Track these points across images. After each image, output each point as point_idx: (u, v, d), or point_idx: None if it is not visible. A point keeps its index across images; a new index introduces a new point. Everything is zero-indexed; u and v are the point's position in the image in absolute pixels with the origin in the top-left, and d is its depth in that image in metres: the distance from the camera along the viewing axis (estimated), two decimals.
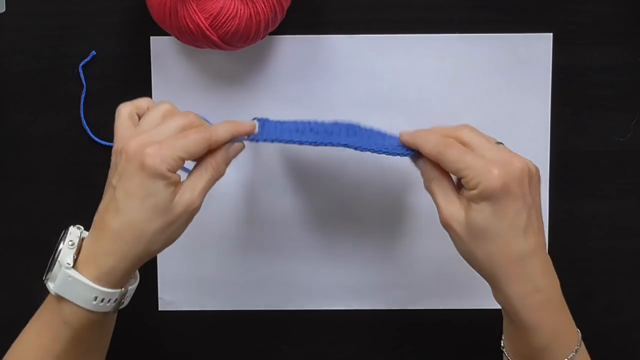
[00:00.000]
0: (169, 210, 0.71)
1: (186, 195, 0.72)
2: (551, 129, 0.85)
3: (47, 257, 0.87)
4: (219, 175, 0.75)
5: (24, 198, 0.86)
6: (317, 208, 0.86)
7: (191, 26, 0.77)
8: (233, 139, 0.75)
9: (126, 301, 0.75)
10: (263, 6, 0.78)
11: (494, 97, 0.85)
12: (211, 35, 0.78)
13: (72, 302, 0.72)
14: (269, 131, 0.78)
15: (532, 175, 0.71)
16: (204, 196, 0.73)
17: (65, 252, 0.72)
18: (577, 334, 0.75)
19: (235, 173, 0.84)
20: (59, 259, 0.72)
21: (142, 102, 0.77)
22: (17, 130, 0.85)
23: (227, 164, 0.75)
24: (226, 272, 0.87)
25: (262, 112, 0.84)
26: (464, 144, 0.72)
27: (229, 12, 0.77)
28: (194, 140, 0.72)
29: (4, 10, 0.81)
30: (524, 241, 0.70)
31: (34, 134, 0.85)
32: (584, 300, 0.87)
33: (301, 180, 0.86)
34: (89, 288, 0.71)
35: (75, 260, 0.72)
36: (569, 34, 0.84)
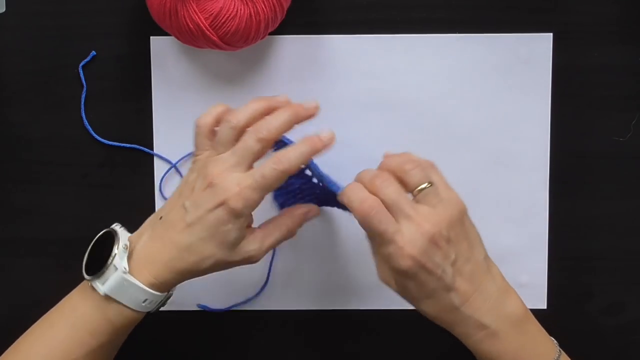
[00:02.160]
0: (233, 250, 0.74)
1: (254, 245, 0.75)
2: (551, 129, 0.85)
3: (47, 257, 0.87)
4: (290, 236, 0.78)
5: (24, 198, 0.86)
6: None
7: (191, 26, 0.77)
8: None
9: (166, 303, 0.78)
10: (263, 6, 0.78)
11: (494, 97, 0.85)
12: (211, 35, 0.78)
13: (121, 304, 0.74)
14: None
15: (454, 224, 0.72)
16: (267, 252, 0.76)
17: (121, 256, 0.74)
18: (552, 346, 0.76)
19: None
20: (114, 262, 0.74)
21: (218, 111, 0.77)
22: (17, 130, 0.85)
23: (299, 225, 0.79)
24: (226, 272, 0.86)
25: None
26: (383, 203, 0.73)
27: (229, 12, 0.77)
28: (275, 178, 0.73)
29: (4, 10, 0.81)
30: (453, 296, 0.73)
31: (34, 134, 0.85)
32: (584, 300, 0.87)
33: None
34: (143, 292, 0.74)
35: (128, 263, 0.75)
36: (569, 34, 0.84)
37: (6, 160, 0.86)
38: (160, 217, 0.76)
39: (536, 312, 0.84)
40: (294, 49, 0.84)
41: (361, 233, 0.87)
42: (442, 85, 0.84)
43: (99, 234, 0.78)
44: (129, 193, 0.86)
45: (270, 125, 0.74)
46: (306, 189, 0.81)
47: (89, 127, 0.85)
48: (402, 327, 0.88)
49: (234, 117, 0.75)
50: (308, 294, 0.87)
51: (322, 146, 0.75)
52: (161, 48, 0.84)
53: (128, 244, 0.75)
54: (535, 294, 0.86)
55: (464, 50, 0.84)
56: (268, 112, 0.76)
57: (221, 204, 0.72)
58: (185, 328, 0.88)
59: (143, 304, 0.75)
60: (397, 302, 0.88)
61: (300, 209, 0.79)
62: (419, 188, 0.73)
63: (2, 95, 0.85)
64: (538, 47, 0.84)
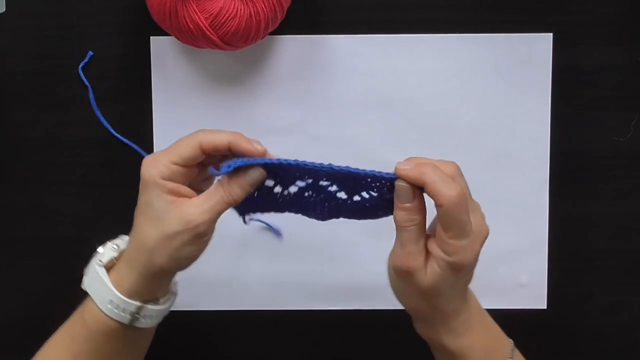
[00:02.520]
0: (164, 221, 0.69)
1: (189, 210, 0.69)
2: (551, 129, 0.85)
3: (47, 257, 0.87)
4: (230, 197, 0.69)
5: (24, 198, 0.86)
6: None
7: (191, 26, 0.77)
8: (234, 150, 0.70)
9: (145, 321, 0.73)
10: (263, 6, 0.78)
11: (494, 97, 0.85)
12: (211, 35, 0.78)
13: (93, 301, 0.72)
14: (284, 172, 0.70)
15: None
16: (211, 217, 0.69)
17: (106, 251, 0.73)
18: (506, 339, 0.75)
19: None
20: (97, 256, 0.73)
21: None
22: (17, 130, 0.85)
23: (242, 187, 0.69)
24: (226, 272, 0.87)
25: (262, 112, 0.85)
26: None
27: (229, 12, 0.77)
28: (185, 142, 0.70)
29: (4, 10, 0.81)
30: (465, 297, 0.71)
31: (34, 134, 0.85)
32: (584, 300, 0.87)
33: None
34: (107, 289, 0.71)
35: (111, 263, 0.73)
36: (569, 34, 0.84)
37: (6, 160, 0.86)
38: None
39: (536, 312, 0.84)
40: (294, 49, 0.84)
41: (361, 233, 0.87)
42: (442, 85, 0.84)
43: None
44: (129, 193, 0.86)
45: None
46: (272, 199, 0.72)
47: (105, 123, 0.85)
48: (402, 327, 0.88)
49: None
50: (309, 293, 0.87)
51: (245, 146, 0.70)
52: (161, 48, 0.84)
53: (123, 246, 0.73)
54: (535, 294, 0.86)
55: (464, 50, 0.84)
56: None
57: (141, 178, 0.71)
58: (185, 328, 0.88)
59: (109, 306, 0.71)
60: (396, 302, 0.88)
61: (237, 174, 0.70)
62: None
63: (2, 95, 0.85)
64: (538, 47, 0.84)
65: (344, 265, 0.86)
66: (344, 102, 0.85)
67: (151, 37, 0.84)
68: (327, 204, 0.72)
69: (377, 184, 0.69)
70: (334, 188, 0.71)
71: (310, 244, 0.86)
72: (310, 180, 0.70)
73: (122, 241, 0.74)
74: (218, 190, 0.70)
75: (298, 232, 0.86)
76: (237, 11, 0.77)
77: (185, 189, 0.70)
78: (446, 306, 0.70)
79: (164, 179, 0.70)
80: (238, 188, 0.70)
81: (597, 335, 0.88)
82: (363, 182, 0.70)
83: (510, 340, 0.75)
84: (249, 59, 0.84)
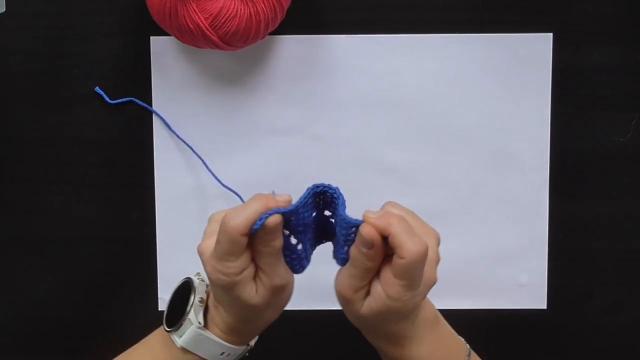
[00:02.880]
0: (254, 301, 0.69)
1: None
2: (551, 129, 0.85)
3: (47, 257, 0.87)
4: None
5: (24, 198, 0.86)
6: None
7: (191, 26, 0.77)
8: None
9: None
10: (263, 6, 0.78)
11: (494, 97, 0.85)
12: (211, 35, 0.78)
13: (199, 356, 0.73)
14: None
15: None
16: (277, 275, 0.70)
17: (196, 309, 0.73)
18: (463, 345, 0.75)
19: (235, 173, 0.84)
20: (189, 316, 0.73)
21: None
22: (17, 130, 0.85)
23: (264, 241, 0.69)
24: None
25: (262, 112, 0.85)
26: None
27: (229, 12, 0.77)
28: (224, 240, 0.67)
29: (4, 10, 0.81)
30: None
31: (34, 134, 0.85)
32: (584, 300, 0.87)
33: (301, 180, 0.85)
34: (219, 345, 0.73)
35: (204, 317, 0.73)
36: (569, 34, 0.84)
37: (6, 160, 0.86)
38: None
39: (536, 312, 0.84)
40: (294, 49, 0.84)
41: None
42: (442, 85, 0.84)
43: (180, 283, 0.76)
44: (129, 193, 0.86)
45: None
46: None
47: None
48: None
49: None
50: (308, 293, 0.87)
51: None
52: (161, 48, 0.84)
53: (204, 296, 0.74)
54: (535, 294, 0.86)
55: (464, 50, 0.84)
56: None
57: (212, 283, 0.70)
58: None
59: (221, 357, 0.74)
60: None
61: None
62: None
63: (2, 95, 0.85)
64: (538, 47, 0.84)
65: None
66: (344, 102, 0.85)
67: (151, 37, 0.84)
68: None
69: (346, 225, 0.68)
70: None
71: None
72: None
73: (201, 291, 0.73)
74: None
75: None
76: (237, 11, 0.77)
77: (242, 273, 0.68)
78: (385, 329, 0.70)
79: (238, 277, 0.68)
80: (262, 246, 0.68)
81: (597, 335, 0.88)
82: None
83: (467, 346, 0.74)
84: (249, 59, 0.84)
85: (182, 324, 0.73)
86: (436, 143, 0.85)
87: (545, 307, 0.87)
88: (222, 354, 0.74)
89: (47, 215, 0.86)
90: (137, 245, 0.86)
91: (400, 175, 0.85)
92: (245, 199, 0.86)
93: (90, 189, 0.86)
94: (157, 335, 0.77)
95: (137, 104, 0.85)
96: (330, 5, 0.84)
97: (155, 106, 0.85)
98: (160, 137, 0.85)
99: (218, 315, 0.73)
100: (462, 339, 0.76)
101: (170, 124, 0.85)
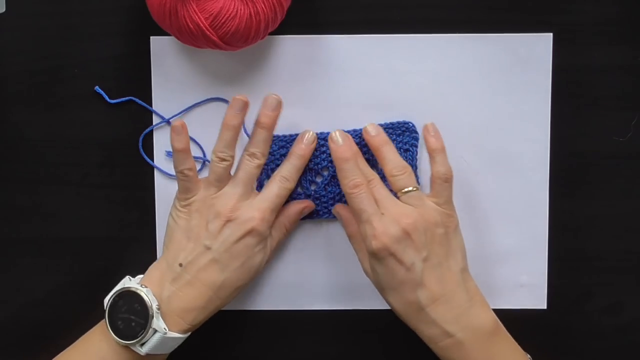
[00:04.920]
0: (257, 270, 0.80)
1: (268, 254, 0.81)
2: (551, 129, 0.85)
3: (47, 257, 0.87)
4: (286, 236, 0.84)
5: (24, 198, 0.86)
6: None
7: (191, 26, 0.77)
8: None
9: None
10: (263, 6, 0.78)
11: (494, 97, 0.85)
12: (211, 35, 0.78)
13: (158, 354, 0.78)
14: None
15: (432, 227, 0.76)
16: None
17: (157, 317, 0.76)
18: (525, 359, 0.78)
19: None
20: (153, 325, 0.76)
21: (184, 150, 0.80)
22: (17, 130, 0.85)
23: (296, 224, 0.85)
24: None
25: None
26: (374, 197, 0.77)
27: (229, 12, 0.77)
28: (286, 195, 0.81)
29: (4, 10, 0.81)
30: (420, 293, 0.75)
31: (34, 134, 0.85)
32: (584, 300, 0.87)
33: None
34: (180, 339, 0.77)
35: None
36: (569, 34, 0.84)
37: (6, 160, 0.86)
38: (180, 264, 0.78)
39: (536, 312, 0.84)
40: (294, 49, 0.84)
41: None
42: (442, 85, 0.84)
43: (116, 293, 0.78)
44: (129, 193, 0.86)
45: (260, 147, 0.80)
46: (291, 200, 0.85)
47: (143, 154, 0.85)
48: (402, 327, 0.88)
49: (222, 153, 0.79)
50: (308, 293, 0.87)
51: (309, 150, 0.82)
52: (161, 48, 0.84)
53: (157, 302, 0.77)
54: (535, 294, 0.86)
55: (464, 50, 0.84)
56: (239, 131, 0.80)
57: (248, 232, 0.77)
58: None
59: (175, 347, 0.78)
60: None
61: (295, 207, 0.83)
62: (404, 190, 0.77)
63: (2, 95, 0.85)
64: (538, 47, 0.84)
65: (344, 265, 0.86)
66: (344, 102, 0.85)
67: (151, 37, 0.84)
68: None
69: None
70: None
71: (310, 244, 0.86)
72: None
73: (151, 296, 0.77)
74: (280, 230, 0.83)
75: (298, 232, 0.86)
76: (237, 11, 0.77)
77: None
78: (401, 302, 0.76)
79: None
80: (292, 226, 0.84)
81: (597, 335, 0.87)
82: None
83: None
84: (249, 59, 0.84)
85: (145, 335, 0.75)
86: None
87: (545, 307, 0.86)
88: (175, 345, 0.78)
89: (47, 215, 0.86)
90: (137, 245, 0.86)
91: None
92: None
93: (90, 189, 0.86)
94: (99, 336, 0.78)
95: (137, 103, 0.85)
96: (330, 5, 0.84)
97: (155, 106, 0.85)
98: (160, 137, 0.85)
99: (183, 310, 0.77)
100: (527, 355, 0.78)
101: (170, 123, 0.85)
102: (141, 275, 0.80)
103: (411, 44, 0.84)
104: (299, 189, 0.85)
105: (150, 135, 0.85)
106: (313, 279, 0.87)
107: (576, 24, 0.84)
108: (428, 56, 0.84)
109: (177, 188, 0.81)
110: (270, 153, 0.83)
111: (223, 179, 0.80)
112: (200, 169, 0.85)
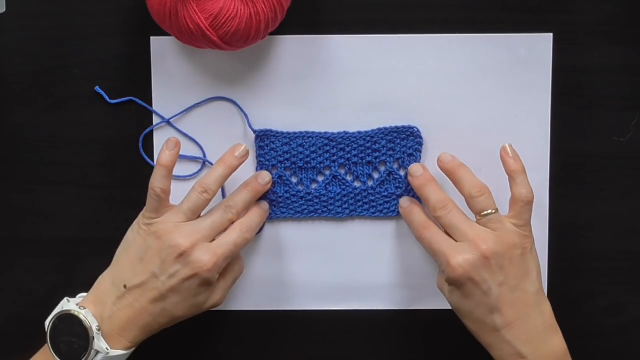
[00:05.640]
0: (201, 307, 0.80)
1: (216, 296, 0.80)
2: (551, 129, 0.85)
3: (47, 257, 0.87)
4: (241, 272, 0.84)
5: (24, 198, 0.86)
6: None
7: (191, 26, 0.77)
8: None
9: None
10: (263, 6, 0.78)
11: (494, 97, 0.85)
12: (211, 35, 0.78)
13: None
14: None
15: (509, 251, 0.76)
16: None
17: (97, 338, 0.77)
18: None
19: (235, 172, 0.84)
20: (95, 347, 0.77)
21: (167, 174, 0.80)
22: (17, 130, 0.85)
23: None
24: None
25: (262, 112, 0.85)
26: (443, 225, 0.79)
27: (229, 12, 0.77)
28: (244, 245, 0.80)
29: (4, 10, 0.81)
30: (496, 317, 0.76)
31: (34, 134, 0.85)
32: (584, 300, 0.87)
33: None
34: (124, 356, 0.79)
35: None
36: (569, 34, 0.84)
37: (6, 160, 0.86)
38: (124, 285, 0.78)
39: None
40: (294, 49, 0.84)
41: (362, 233, 0.87)
42: (442, 85, 0.84)
43: (54, 316, 0.79)
44: (129, 193, 0.86)
45: (240, 202, 0.81)
46: (291, 197, 0.86)
47: (142, 153, 0.85)
48: (402, 327, 0.88)
49: (208, 187, 0.79)
50: (309, 293, 0.87)
51: (262, 188, 0.83)
52: (161, 48, 0.84)
53: (97, 323, 0.78)
54: None
55: (464, 50, 0.84)
56: (230, 173, 0.81)
57: (195, 274, 0.77)
58: (185, 328, 0.87)
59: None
60: (398, 303, 0.88)
61: (239, 259, 0.84)
62: (483, 213, 0.78)
63: (2, 95, 0.85)
64: (538, 47, 0.84)
65: (344, 265, 0.86)
66: (344, 102, 0.85)
67: (151, 37, 0.84)
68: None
69: None
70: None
71: (310, 244, 0.86)
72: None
73: (90, 317, 0.78)
74: (235, 272, 0.84)
75: (298, 232, 0.86)
76: (237, 11, 0.77)
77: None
78: (476, 325, 0.78)
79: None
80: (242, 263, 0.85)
81: (597, 335, 0.87)
82: None
83: None
84: (249, 59, 0.84)
85: (87, 356, 0.77)
86: (436, 143, 0.85)
87: None
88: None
89: (47, 215, 0.86)
90: None
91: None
92: None
93: (90, 189, 0.86)
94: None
95: (137, 103, 0.85)
96: (330, 5, 0.84)
97: (155, 106, 0.85)
98: (160, 137, 0.85)
99: (123, 329, 0.78)
100: None
101: (170, 123, 0.85)
102: (82, 294, 0.81)
103: (411, 44, 0.84)
104: (299, 187, 0.85)
105: (150, 135, 0.85)
106: (313, 279, 0.87)
107: (576, 24, 0.84)
108: (428, 56, 0.84)
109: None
110: (272, 149, 0.83)
111: (196, 211, 0.80)
112: (200, 170, 0.85)
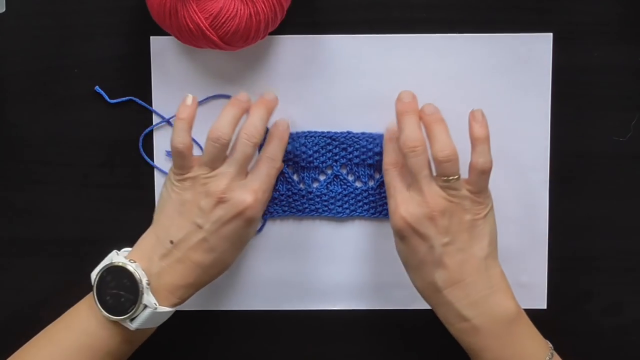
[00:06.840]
0: (246, 245, 0.81)
1: (257, 229, 0.83)
2: (551, 129, 0.85)
3: (47, 257, 0.87)
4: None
5: (24, 198, 0.86)
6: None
7: (191, 26, 0.77)
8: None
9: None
10: (263, 6, 0.78)
11: (494, 97, 0.85)
12: (211, 35, 0.78)
13: (148, 328, 0.78)
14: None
15: (454, 213, 0.76)
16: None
17: (147, 293, 0.77)
18: (545, 350, 0.78)
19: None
20: (144, 301, 0.76)
21: (188, 129, 0.79)
22: (17, 130, 0.85)
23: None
24: (226, 272, 0.86)
25: None
26: (407, 165, 0.78)
27: (229, 12, 0.77)
28: (276, 174, 0.82)
29: (4, 10, 0.81)
30: (438, 275, 0.76)
31: (34, 134, 0.85)
32: (584, 300, 0.87)
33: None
34: (169, 314, 0.79)
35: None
36: (569, 34, 0.84)
37: (6, 160, 0.86)
38: (171, 241, 0.78)
39: (536, 312, 0.84)
40: (294, 49, 0.84)
41: (361, 233, 0.87)
42: (442, 85, 0.84)
43: (102, 268, 0.78)
44: (129, 193, 0.86)
45: (257, 129, 0.79)
46: (293, 195, 0.85)
47: (144, 155, 0.85)
48: (402, 326, 0.88)
49: (221, 134, 0.78)
50: (309, 293, 0.87)
51: (271, 104, 0.82)
52: (161, 48, 0.84)
53: (147, 278, 0.77)
54: (535, 294, 0.86)
55: (464, 50, 0.84)
56: (242, 115, 0.80)
57: (239, 214, 0.77)
58: (185, 328, 0.88)
59: (164, 320, 0.79)
60: (398, 303, 0.88)
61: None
62: (445, 178, 0.77)
63: (2, 95, 0.85)
64: (538, 47, 0.84)
65: (344, 266, 0.86)
66: (344, 102, 0.85)
67: (151, 37, 0.84)
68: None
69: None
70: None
71: (310, 244, 0.86)
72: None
73: (140, 271, 0.77)
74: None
75: (298, 232, 0.86)
76: (237, 11, 0.77)
77: None
78: (420, 281, 0.78)
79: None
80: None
81: (597, 335, 0.88)
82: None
83: (550, 352, 0.78)
84: (249, 59, 0.84)
85: (135, 310, 0.76)
86: None
87: (545, 307, 0.87)
88: (160, 320, 0.79)
89: (47, 215, 0.86)
90: None
91: None
92: None
93: (90, 189, 0.86)
94: (87, 310, 0.78)
95: (137, 103, 0.85)
96: (330, 5, 0.84)
97: (155, 106, 0.85)
98: (160, 137, 0.85)
99: (173, 286, 0.77)
100: (548, 344, 0.78)
101: (170, 123, 0.85)
102: (128, 249, 0.80)
103: (411, 44, 0.84)
104: (301, 186, 0.85)
105: (150, 135, 0.85)
106: (313, 279, 0.87)
107: (576, 24, 0.84)
108: (428, 56, 0.84)
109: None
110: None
111: (217, 160, 0.79)
112: None
